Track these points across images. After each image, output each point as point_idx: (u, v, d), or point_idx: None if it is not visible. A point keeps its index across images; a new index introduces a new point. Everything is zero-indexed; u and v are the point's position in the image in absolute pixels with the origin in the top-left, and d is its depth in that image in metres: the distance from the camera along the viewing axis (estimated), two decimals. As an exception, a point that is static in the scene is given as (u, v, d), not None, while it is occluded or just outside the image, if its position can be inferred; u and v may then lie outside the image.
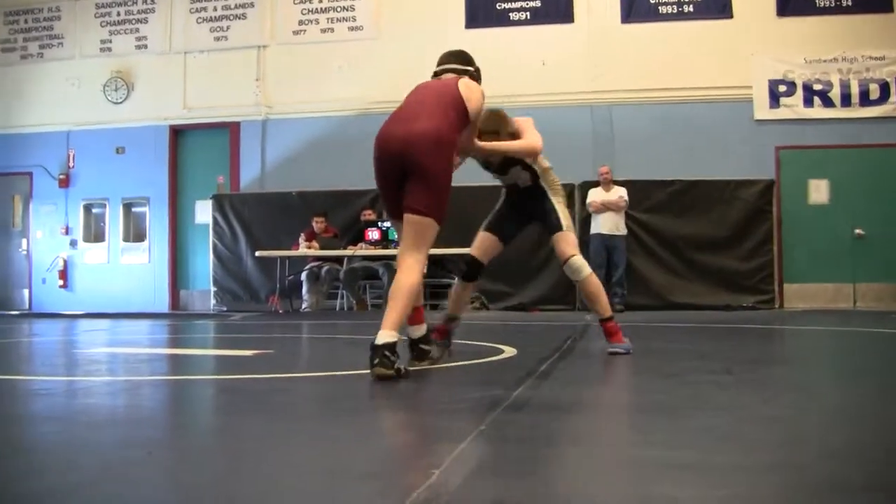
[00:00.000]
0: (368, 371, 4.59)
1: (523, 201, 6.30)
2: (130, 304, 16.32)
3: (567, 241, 6.14)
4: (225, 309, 15.52)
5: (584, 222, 14.37)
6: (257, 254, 14.97)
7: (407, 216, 4.97)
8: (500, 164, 6.21)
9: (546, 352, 6.29)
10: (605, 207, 13.97)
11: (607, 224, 13.98)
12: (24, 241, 18.29)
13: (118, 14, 17.79)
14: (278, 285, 15.07)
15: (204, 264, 16.72)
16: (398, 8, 16.21)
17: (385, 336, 4.64)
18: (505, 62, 15.16)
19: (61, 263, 17.84)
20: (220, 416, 3.96)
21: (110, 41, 17.83)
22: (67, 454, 2.92)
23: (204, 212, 16.65)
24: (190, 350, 7.77)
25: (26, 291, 18.22)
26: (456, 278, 6.56)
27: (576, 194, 14.53)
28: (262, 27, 16.90)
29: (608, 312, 6.16)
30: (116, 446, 3.00)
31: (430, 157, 4.87)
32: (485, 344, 6.90)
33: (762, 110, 14.86)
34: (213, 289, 16.18)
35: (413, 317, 5.21)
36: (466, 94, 5.17)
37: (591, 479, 2.52)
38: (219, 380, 5.29)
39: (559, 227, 6.17)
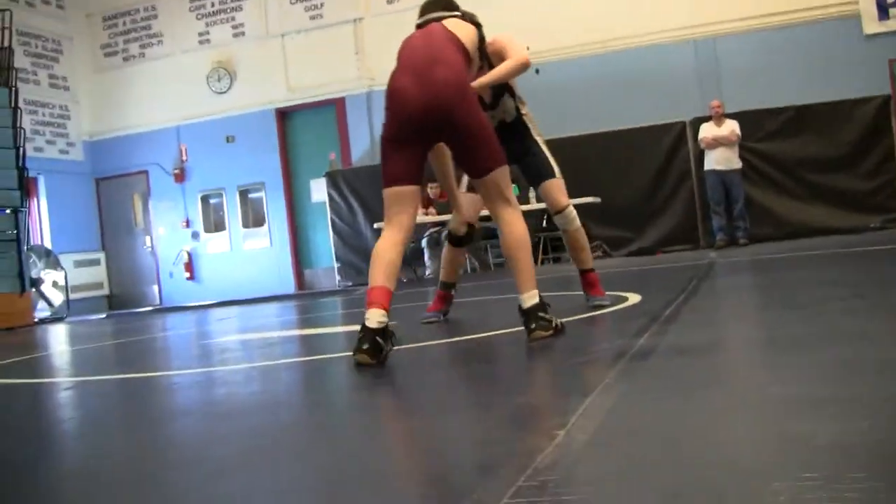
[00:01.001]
0: (486, 335, 4.55)
1: (506, 141, 5.19)
2: (257, 289, 16.58)
3: (560, 189, 5.91)
4: (350, 284, 15.67)
5: (697, 159, 14.16)
6: (375, 226, 15.05)
7: (480, 181, 4.66)
8: (493, 98, 5.72)
9: (671, 294, 6.19)
10: (718, 143, 13.71)
11: (721, 159, 13.73)
12: (148, 238, 18.75)
13: (212, 5, 18.03)
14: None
15: (324, 242, 16.91)
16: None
17: (530, 298, 4.43)
18: (601, 6, 15.00)
19: (185, 256, 18.24)
20: (352, 393, 3.98)
21: (208, 32, 18.10)
22: (201, 447, 2.97)
23: (319, 190, 16.82)
24: (319, 329, 7.84)
25: (155, 287, 18.69)
26: (446, 243, 6.21)
27: (687, 131, 14.33)
28: (355, 0, 16.93)
29: (590, 264, 6.09)
30: (250, 434, 3.03)
31: (463, 109, 4.43)
32: (608, 292, 6.81)
33: (871, 24, 14.38)
34: (336, 265, 16.35)
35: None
36: (456, 32, 4.71)
37: (725, 424, 2.45)
38: (349, 357, 5.34)
39: (551, 174, 5.87)
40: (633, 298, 6.22)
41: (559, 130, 14.85)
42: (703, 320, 5.02)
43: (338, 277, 16.30)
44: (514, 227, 4.57)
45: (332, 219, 16.24)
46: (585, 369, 3.52)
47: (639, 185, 14.57)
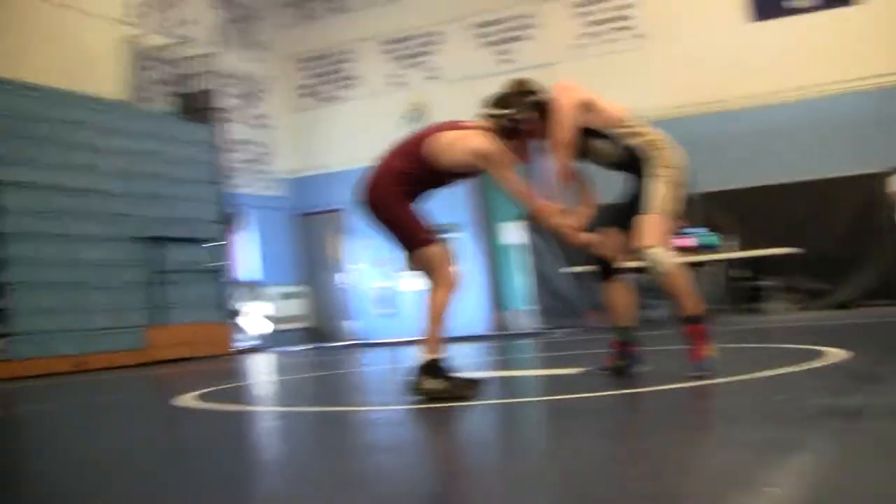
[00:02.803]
0: (693, 384, 4.49)
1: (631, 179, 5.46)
2: (453, 328, 16.70)
3: (650, 225, 5.34)
4: (546, 327, 15.66)
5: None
6: (570, 270, 15.04)
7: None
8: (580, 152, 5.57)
9: (877, 352, 5.97)
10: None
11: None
12: (345, 273, 19.13)
13: (406, 48, 18.42)
14: (595, 299, 15.06)
15: (520, 284, 16.96)
16: (682, 10, 16.01)
17: (422, 357, 5.15)
18: (796, 53, 14.75)
19: (382, 292, 18.50)
20: (551, 439, 4.00)
21: (403, 75, 18.49)
22: (402, 484, 3.03)
23: (513, 232, 16.89)
24: (516, 371, 7.88)
25: (353, 321, 19.03)
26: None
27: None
28: (546, 45, 17.08)
29: (691, 311, 5.31)
30: (446, 475, 3.07)
31: (378, 208, 5.42)
32: (809, 347, 6.61)
33: None
34: (532, 307, 16.39)
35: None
36: (437, 139, 5.34)
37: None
38: (548, 400, 5.35)
39: (646, 209, 5.36)
40: (836, 354, 6.01)
41: (754, 180, 14.61)
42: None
43: (534, 320, 16.33)
44: (433, 297, 5.27)
45: (530, 260, 16.30)
46: (795, 427, 3.43)
47: (838, 235, 14.16)
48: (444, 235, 5.59)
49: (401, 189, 5.35)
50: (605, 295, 5.88)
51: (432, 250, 5.32)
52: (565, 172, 5.42)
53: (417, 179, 5.37)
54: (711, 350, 5.17)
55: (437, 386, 5.08)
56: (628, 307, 5.87)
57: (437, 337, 5.20)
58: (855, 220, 14.16)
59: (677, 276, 5.29)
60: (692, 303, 5.26)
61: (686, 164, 5.43)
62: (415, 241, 5.34)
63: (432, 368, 5.13)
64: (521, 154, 5.43)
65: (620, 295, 5.81)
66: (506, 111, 5.35)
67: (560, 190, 5.47)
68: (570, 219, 5.42)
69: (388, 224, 5.40)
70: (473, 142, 5.26)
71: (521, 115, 5.34)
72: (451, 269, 5.34)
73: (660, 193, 5.33)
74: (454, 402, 4.96)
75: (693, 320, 5.24)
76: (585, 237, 5.51)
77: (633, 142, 5.44)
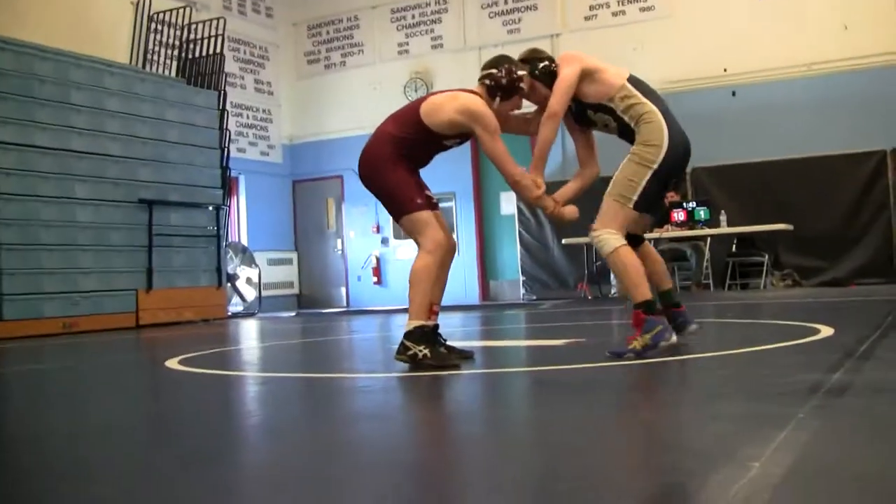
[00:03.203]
0: (678, 358, 4.48)
1: None
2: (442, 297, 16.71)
3: (604, 210, 5.30)
4: (534, 298, 15.69)
5: (897, 189, 13.72)
6: (564, 241, 15.05)
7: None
8: (578, 116, 5.62)
9: (866, 330, 5.97)
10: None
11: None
12: (339, 241, 19.15)
13: (413, 17, 18.35)
14: (586, 271, 15.11)
15: (511, 255, 16.99)
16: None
17: (408, 325, 5.21)
18: (803, 29, 14.67)
19: (374, 261, 18.54)
20: (534, 409, 3.98)
21: (407, 43, 18.43)
22: (388, 453, 3.00)
23: (509, 203, 16.89)
24: (502, 341, 7.87)
25: (343, 289, 19.06)
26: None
27: (888, 160, 13.86)
28: (553, 16, 16.98)
29: (637, 298, 5.11)
30: (432, 444, 3.05)
31: (371, 177, 5.53)
32: (799, 323, 6.62)
33: None
34: (521, 278, 16.41)
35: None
36: (427, 104, 5.44)
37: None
38: (532, 371, 5.34)
39: (608, 192, 5.32)
40: (826, 331, 6.01)
41: (754, 154, 14.58)
42: (903, 358, 4.80)
43: (522, 290, 16.36)
44: (414, 263, 5.34)
45: (520, 232, 16.32)
46: (779, 402, 3.42)
47: (834, 213, 14.16)
48: (437, 203, 5.59)
49: (395, 154, 5.40)
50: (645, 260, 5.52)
51: (420, 216, 5.38)
52: (546, 142, 5.44)
53: (412, 144, 5.41)
54: (641, 342, 4.95)
55: (421, 352, 5.10)
56: (660, 273, 5.73)
57: (422, 303, 5.23)
58: (853, 199, 14.15)
59: (621, 263, 5.15)
60: (637, 291, 5.09)
61: (682, 140, 5.33)
62: (403, 207, 5.41)
63: (417, 335, 5.15)
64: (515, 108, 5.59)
65: (650, 262, 5.61)
66: (495, 70, 5.41)
67: (541, 160, 5.52)
68: (547, 195, 5.46)
69: (379, 190, 5.50)
70: (461, 100, 5.31)
71: (520, 73, 5.40)
72: (438, 235, 5.37)
73: (625, 175, 5.25)
74: (439, 370, 4.97)
75: (637, 306, 5.09)
76: (566, 213, 5.53)
77: (624, 116, 5.35)
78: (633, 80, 5.44)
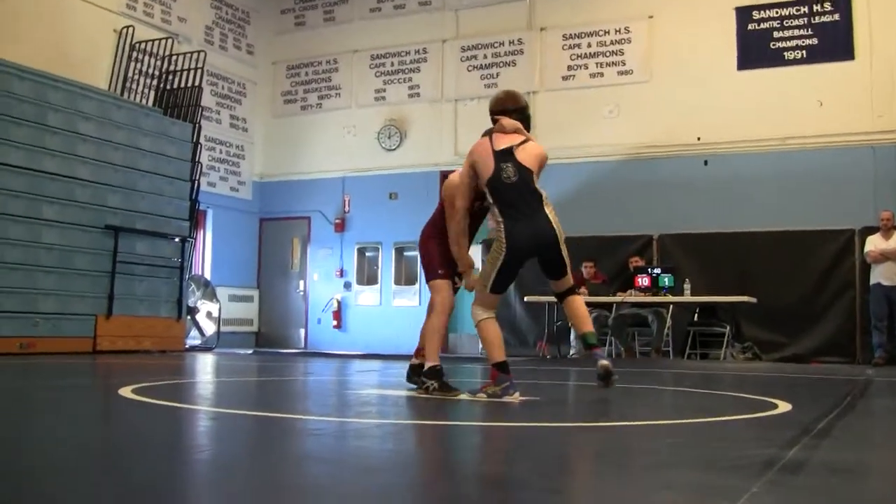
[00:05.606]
0: (634, 423, 4.47)
1: None
2: (401, 346, 16.66)
3: (475, 291, 6.89)
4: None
5: (862, 269, 13.80)
6: (526, 299, 15.07)
7: None
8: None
9: (824, 408, 5.97)
10: (885, 257, 13.27)
11: (889, 274, 13.26)
12: (302, 282, 19.10)
13: (392, 64, 18.47)
14: (546, 331, 15.11)
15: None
16: (669, 50, 16.04)
17: (427, 363, 6.75)
18: (779, 104, 14.83)
19: (335, 305, 18.51)
20: (485, 465, 3.95)
21: (385, 90, 18.52)
22: (335, 499, 2.97)
23: (473, 256, 16.84)
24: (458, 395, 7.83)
25: (302, 330, 18.98)
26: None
27: (856, 239, 13.98)
28: (531, 73, 17.10)
29: (493, 360, 6.49)
30: (381, 492, 3.02)
31: (420, 243, 7.47)
32: (756, 397, 6.63)
33: None
34: (482, 332, 16.36)
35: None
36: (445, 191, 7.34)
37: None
38: (484, 426, 5.31)
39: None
40: (784, 406, 6.01)
41: (723, 224, 14.70)
42: (858, 440, 4.79)
43: (480, 345, 16.29)
44: (431, 320, 7.08)
45: (482, 287, 16.31)
46: (732, 474, 3.40)
47: (799, 289, 14.26)
48: (454, 276, 7.18)
49: (440, 229, 7.20)
50: (566, 310, 6.88)
51: (440, 283, 7.11)
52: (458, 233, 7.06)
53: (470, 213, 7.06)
54: (491, 390, 6.40)
55: (433, 385, 6.58)
56: (581, 317, 6.75)
57: (435, 349, 6.76)
58: (819, 276, 14.26)
59: (484, 331, 6.64)
60: (494, 353, 6.49)
61: (529, 236, 6.60)
62: (428, 275, 7.24)
63: (433, 372, 6.64)
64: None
65: (571, 309, 6.77)
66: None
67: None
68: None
69: (420, 254, 7.39)
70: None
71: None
72: (449, 300, 7.10)
73: (484, 272, 6.73)
74: (445, 398, 6.44)
75: (494, 365, 6.48)
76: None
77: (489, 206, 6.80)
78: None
